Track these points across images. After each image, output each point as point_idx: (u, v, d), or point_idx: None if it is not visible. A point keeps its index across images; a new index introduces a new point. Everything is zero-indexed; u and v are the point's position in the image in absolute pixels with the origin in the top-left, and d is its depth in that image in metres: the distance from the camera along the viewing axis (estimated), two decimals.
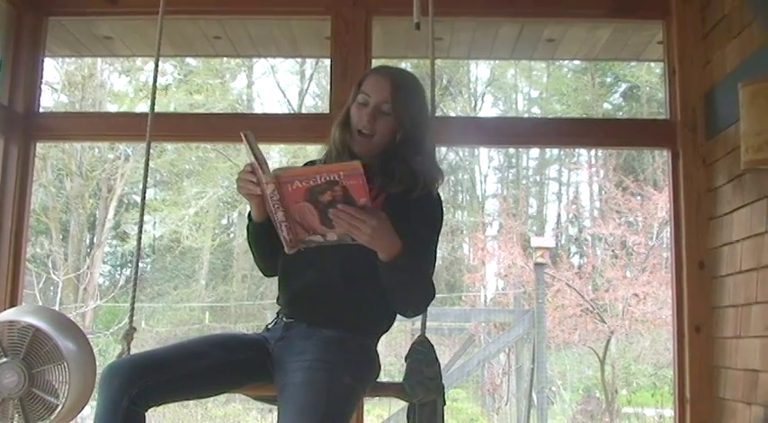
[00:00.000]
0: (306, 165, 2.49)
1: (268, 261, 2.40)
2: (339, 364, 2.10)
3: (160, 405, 2.13)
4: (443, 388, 2.35)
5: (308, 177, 1.97)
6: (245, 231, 2.41)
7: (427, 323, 2.48)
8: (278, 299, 2.41)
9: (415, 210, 2.22)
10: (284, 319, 2.33)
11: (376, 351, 2.32)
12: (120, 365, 2.10)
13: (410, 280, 2.15)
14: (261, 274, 2.58)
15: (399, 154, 2.26)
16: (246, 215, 2.36)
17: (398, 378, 2.42)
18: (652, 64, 13.57)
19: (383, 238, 2.01)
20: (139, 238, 2.74)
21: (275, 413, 2.08)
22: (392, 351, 10.99)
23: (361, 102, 2.29)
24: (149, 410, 2.08)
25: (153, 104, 2.78)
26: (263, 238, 2.31)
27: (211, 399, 7.30)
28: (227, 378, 2.24)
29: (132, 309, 2.59)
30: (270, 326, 2.39)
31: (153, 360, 2.14)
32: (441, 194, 2.36)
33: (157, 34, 2.73)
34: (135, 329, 2.50)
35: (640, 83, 18.34)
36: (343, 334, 2.20)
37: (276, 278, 2.42)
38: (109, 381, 2.03)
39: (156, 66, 2.79)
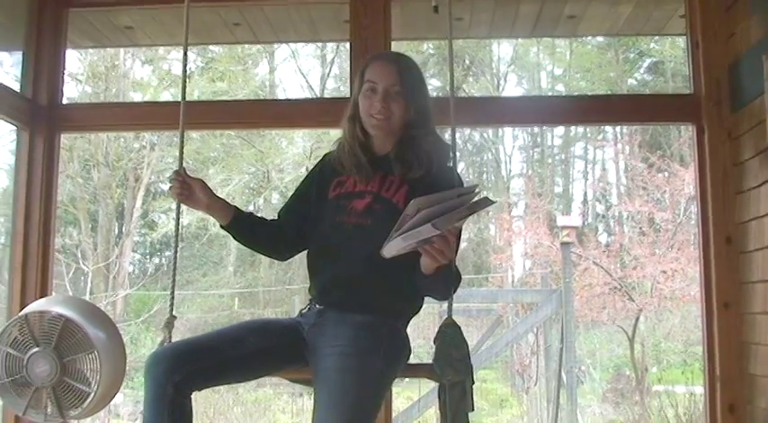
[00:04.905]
0: (324, 158, 2.56)
1: (269, 246, 2.55)
2: (371, 349, 2.16)
3: (202, 390, 2.22)
4: (472, 368, 2.38)
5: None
6: (236, 240, 2.57)
7: (454, 305, 2.50)
8: (310, 288, 2.46)
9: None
10: (317, 305, 2.38)
11: (406, 334, 2.36)
12: (163, 354, 2.19)
13: (444, 284, 2.24)
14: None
15: (412, 136, 2.30)
16: (220, 228, 2.50)
17: (427, 360, 2.43)
18: (676, 38, 13.41)
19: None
20: (177, 229, 2.77)
21: (306, 397, 2.13)
22: (420, 333, 11.00)
23: (370, 89, 2.32)
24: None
25: (184, 93, 2.79)
26: (246, 233, 2.47)
27: (242, 383, 7.45)
28: (266, 363, 2.33)
29: (172, 297, 2.63)
30: (303, 311, 2.44)
31: (194, 347, 2.23)
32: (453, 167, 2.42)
33: (184, 22, 2.74)
34: (176, 317, 2.55)
35: (665, 57, 18.14)
36: (374, 319, 2.25)
37: (305, 263, 2.47)
38: (153, 369, 2.12)
39: (185, 54, 2.80)
